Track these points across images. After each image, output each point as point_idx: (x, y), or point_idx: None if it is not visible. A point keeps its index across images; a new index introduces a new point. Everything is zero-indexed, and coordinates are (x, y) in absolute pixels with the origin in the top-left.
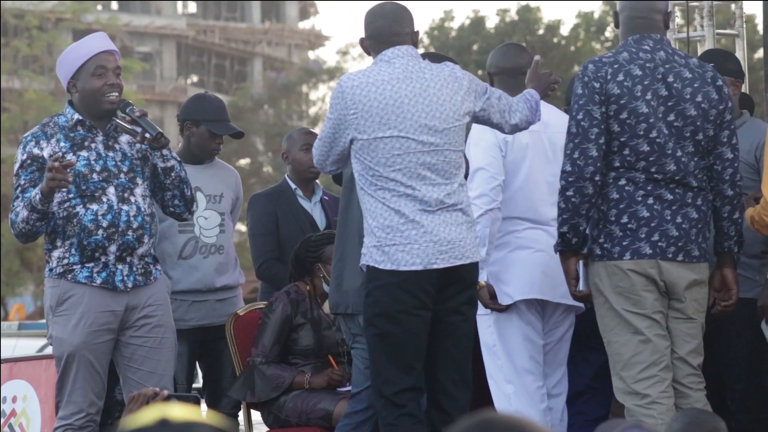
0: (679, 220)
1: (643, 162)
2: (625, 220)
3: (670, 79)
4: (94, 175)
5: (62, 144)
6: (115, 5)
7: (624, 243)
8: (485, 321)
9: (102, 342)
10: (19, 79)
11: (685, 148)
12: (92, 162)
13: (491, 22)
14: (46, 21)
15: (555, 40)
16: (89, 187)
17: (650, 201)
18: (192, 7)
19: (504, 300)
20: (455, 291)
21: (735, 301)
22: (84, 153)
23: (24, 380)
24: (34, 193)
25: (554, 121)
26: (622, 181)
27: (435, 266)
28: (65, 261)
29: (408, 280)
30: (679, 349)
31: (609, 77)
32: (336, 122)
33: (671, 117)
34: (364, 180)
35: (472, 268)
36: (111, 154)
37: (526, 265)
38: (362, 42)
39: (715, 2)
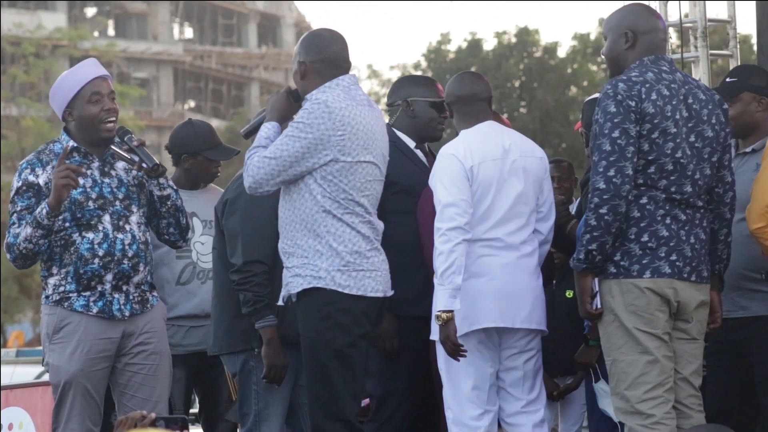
0: (692, 240)
1: (665, 181)
2: (645, 238)
3: (690, 100)
4: (90, 203)
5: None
6: (111, 31)
7: (644, 261)
8: (439, 346)
9: (98, 369)
10: (17, 106)
11: (704, 170)
12: (88, 189)
13: (488, 45)
14: (43, 48)
15: (552, 62)
16: (85, 214)
17: (668, 220)
18: (188, 33)
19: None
20: (379, 320)
21: (720, 324)
22: (80, 180)
23: (20, 407)
24: (41, 208)
25: (517, 147)
26: (644, 200)
27: (388, 294)
28: (61, 289)
29: (370, 306)
30: (682, 369)
31: (644, 96)
32: (315, 141)
33: (692, 138)
34: (332, 202)
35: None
36: (107, 180)
37: (479, 295)
38: (309, 64)
39: (709, 23)
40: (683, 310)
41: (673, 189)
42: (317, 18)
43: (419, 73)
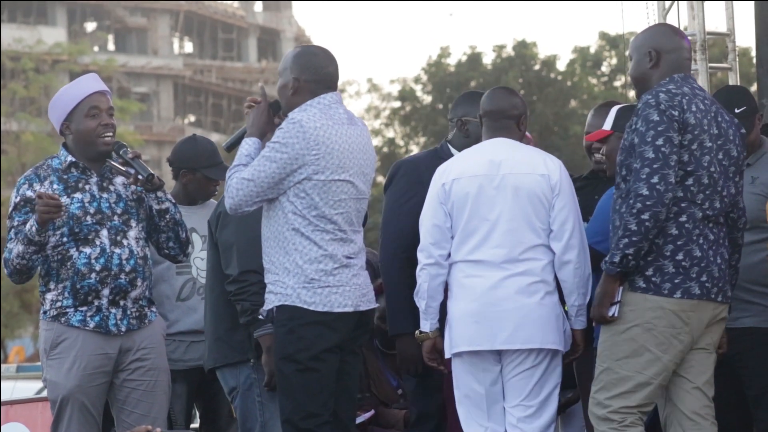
0: (719, 260)
1: (702, 195)
2: (680, 257)
3: (719, 118)
4: (88, 218)
5: (55, 186)
6: (111, 46)
7: (676, 281)
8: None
9: (96, 385)
10: (17, 122)
11: (729, 188)
12: (86, 204)
13: (488, 58)
14: (43, 63)
15: (551, 75)
16: (82, 229)
17: (701, 240)
18: (188, 47)
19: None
20: (360, 333)
21: (726, 350)
22: (78, 195)
23: (20, 423)
24: (29, 225)
25: (513, 163)
26: (683, 218)
27: (360, 309)
28: (59, 304)
29: (337, 320)
30: (695, 379)
31: (685, 107)
32: (289, 161)
33: (720, 155)
34: (302, 220)
35: (373, 313)
36: (105, 195)
37: (459, 318)
38: (304, 82)
39: (708, 36)
40: (703, 327)
41: (706, 205)
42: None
43: (419, 86)
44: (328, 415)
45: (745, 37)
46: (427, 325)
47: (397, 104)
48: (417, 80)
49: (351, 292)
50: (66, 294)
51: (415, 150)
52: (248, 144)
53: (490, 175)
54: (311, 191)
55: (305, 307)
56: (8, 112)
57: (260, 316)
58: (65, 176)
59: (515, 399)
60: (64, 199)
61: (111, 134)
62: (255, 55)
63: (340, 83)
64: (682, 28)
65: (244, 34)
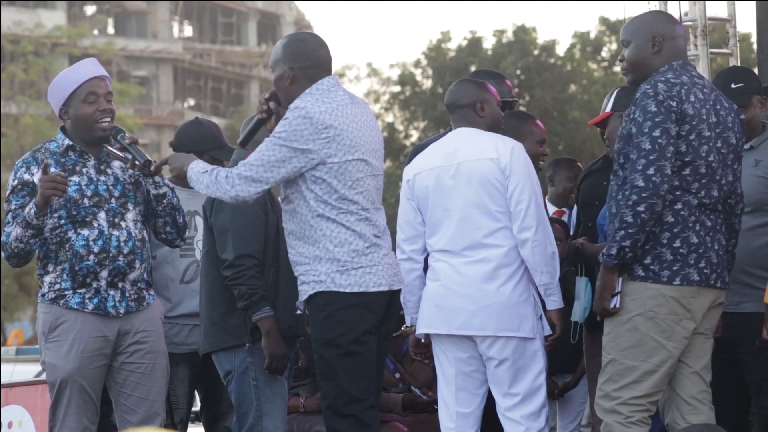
0: (716, 246)
1: (697, 184)
2: (677, 244)
3: (718, 106)
4: (85, 200)
5: (52, 170)
6: (111, 29)
7: (674, 268)
8: None
9: (95, 368)
10: (16, 105)
11: (727, 176)
12: (83, 187)
13: (488, 43)
14: (42, 46)
15: (551, 60)
16: (80, 212)
17: (697, 227)
18: (188, 31)
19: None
20: (391, 314)
21: (720, 334)
22: (75, 178)
23: (20, 405)
24: (28, 208)
25: (465, 151)
26: (678, 205)
27: (393, 288)
28: (57, 286)
29: (373, 301)
30: (693, 363)
31: (684, 97)
32: (299, 149)
33: (719, 143)
34: (325, 205)
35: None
36: (103, 178)
37: (424, 302)
38: (299, 70)
39: (709, 21)
40: (702, 313)
41: (702, 193)
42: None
43: (419, 71)
44: (373, 399)
45: (746, 23)
46: (409, 319)
47: (397, 89)
48: (417, 65)
49: (384, 271)
50: (65, 276)
51: (415, 135)
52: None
53: (445, 165)
54: (327, 176)
55: (341, 290)
56: (7, 96)
57: (297, 311)
58: (62, 159)
59: (500, 389)
60: None
61: (109, 119)
62: (255, 40)
63: (339, 68)
64: (682, 14)
65: (243, 18)
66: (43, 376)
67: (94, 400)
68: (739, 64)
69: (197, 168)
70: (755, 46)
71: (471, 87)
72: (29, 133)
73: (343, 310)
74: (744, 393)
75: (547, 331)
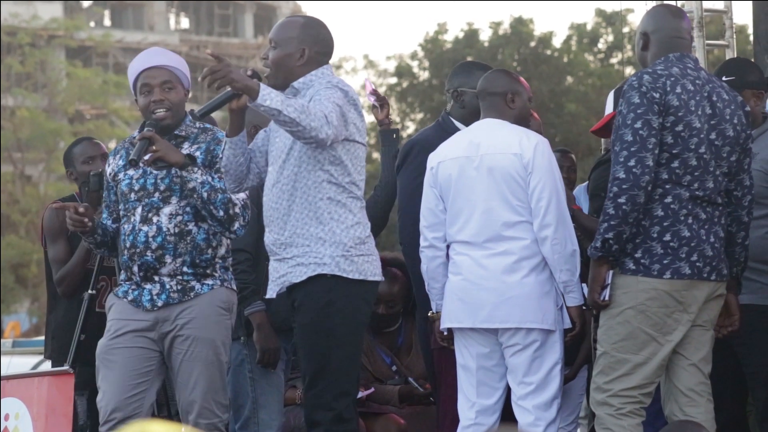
0: (712, 239)
1: (689, 176)
2: (667, 238)
3: (714, 98)
4: (132, 195)
5: (120, 162)
6: (107, 21)
7: (665, 261)
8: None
9: (125, 347)
10: (12, 97)
11: (722, 168)
12: (133, 181)
13: (485, 35)
14: (39, 38)
15: (547, 52)
16: (127, 206)
17: (690, 220)
18: (185, 23)
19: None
20: (377, 305)
21: (738, 326)
22: (131, 172)
23: (16, 398)
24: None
25: (490, 144)
26: (668, 199)
27: (379, 278)
28: (119, 278)
29: (369, 291)
30: (691, 356)
31: (668, 89)
32: (347, 115)
33: (713, 135)
34: (336, 188)
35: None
36: (155, 171)
37: (447, 296)
38: (315, 54)
39: (706, 13)
40: (698, 305)
41: (695, 185)
42: (313, 8)
43: (416, 63)
44: (355, 394)
45: (743, 15)
46: (434, 305)
47: (394, 80)
48: (413, 56)
49: (377, 261)
50: (119, 268)
51: (411, 127)
52: (271, 95)
53: (469, 156)
54: (344, 156)
55: (345, 276)
56: (4, 87)
57: (272, 295)
58: (131, 150)
59: (515, 377)
60: (121, 176)
61: (164, 109)
62: (251, 32)
63: (336, 60)
64: (679, 5)
65: (240, 9)
66: (40, 368)
67: (124, 378)
68: (735, 56)
69: (272, 91)
70: (752, 38)
71: (504, 77)
72: (26, 125)
73: (344, 298)
74: (741, 384)
75: (567, 324)
